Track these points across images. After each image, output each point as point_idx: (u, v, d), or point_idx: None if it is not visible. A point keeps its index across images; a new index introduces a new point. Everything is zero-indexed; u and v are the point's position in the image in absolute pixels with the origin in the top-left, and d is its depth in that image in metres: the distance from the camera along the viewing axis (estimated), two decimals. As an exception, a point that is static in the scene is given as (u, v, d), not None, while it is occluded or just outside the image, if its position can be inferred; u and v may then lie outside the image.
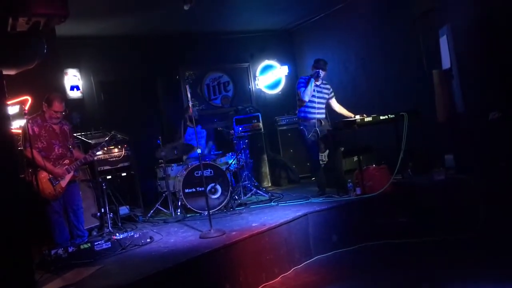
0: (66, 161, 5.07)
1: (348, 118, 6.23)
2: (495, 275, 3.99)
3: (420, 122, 6.18)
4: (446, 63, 5.74)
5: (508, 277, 3.88)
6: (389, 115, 6.14)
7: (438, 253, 4.86)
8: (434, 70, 5.98)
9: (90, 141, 6.18)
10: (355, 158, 6.26)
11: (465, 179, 5.47)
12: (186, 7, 6.59)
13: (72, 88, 7.47)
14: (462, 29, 5.53)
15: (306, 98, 6.26)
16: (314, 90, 6.26)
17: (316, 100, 6.30)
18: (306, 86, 6.22)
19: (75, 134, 6.13)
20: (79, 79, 7.57)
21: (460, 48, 5.51)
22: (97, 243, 4.59)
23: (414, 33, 6.56)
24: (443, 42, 5.68)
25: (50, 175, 4.89)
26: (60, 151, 5.04)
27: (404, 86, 6.84)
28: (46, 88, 5.63)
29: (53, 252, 4.37)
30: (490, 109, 5.31)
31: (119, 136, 6.45)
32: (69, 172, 5.04)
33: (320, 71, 6.22)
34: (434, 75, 5.96)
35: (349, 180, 6.03)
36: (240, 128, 8.01)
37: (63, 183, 4.99)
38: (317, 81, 6.31)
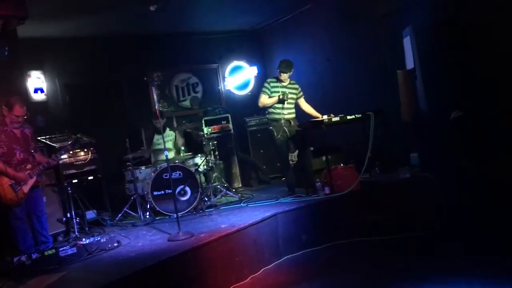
0: (28, 166, 4.92)
1: (316, 118, 6.29)
2: (461, 269, 4.10)
3: (386, 121, 6.30)
4: (409, 63, 5.86)
5: (471, 271, 4.00)
6: (356, 115, 6.22)
7: (405, 249, 4.95)
8: (398, 70, 6.09)
9: (55, 144, 6.05)
10: (324, 158, 6.32)
11: (428, 177, 5.60)
12: (152, 8, 6.55)
13: (36, 90, 7.30)
14: (424, 30, 5.66)
15: (260, 105, 6.41)
16: (279, 91, 6.30)
17: (284, 100, 6.33)
18: (267, 94, 6.30)
19: (39, 138, 6.01)
20: (43, 81, 7.40)
21: (423, 49, 5.63)
22: (62, 249, 4.49)
23: (378, 34, 6.69)
24: (407, 42, 5.79)
25: (12, 181, 4.76)
26: (21, 156, 4.90)
27: (370, 86, 6.96)
28: (8, 91, 5.46)
29: (15, 259, 4.26)
30: (452, 108, 5.45)
31: (85, 139, 6.35)
32: (31, 177, 4.90)
33: (282, 74, 6.30)
34: (398, 75, 6.07)
35: (318, 180, 6.09)
36: (210, 129, 7.99)
37: (26, 188, 4.84)
38: (284, 82, 6.36)
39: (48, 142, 6.11)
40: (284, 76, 6.32)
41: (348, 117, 6.20)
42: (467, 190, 5.13)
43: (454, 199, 5.17)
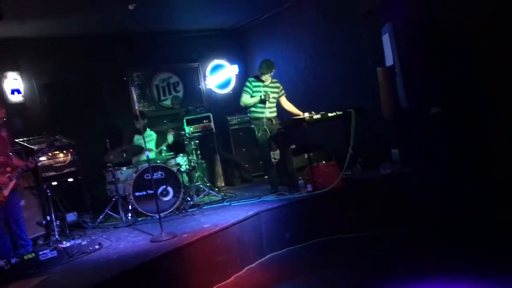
0: (8, 169, 4.86)
1: (297, 116, 6.30)
2: (443, 265, 4.13)
3: (367, 118, 6.34)
4: (389, 60, 5.89)
5: (453, 266, 4.03)
6: (337, 112, 6.26)
7: (388, 246, 4.98)
8: (378, 67, 6.13)
9: (33, 146, 5.95)
10: (306, 156, 6.33)
11: (409, 172, 5.66)
12: (131, 7, 6.48)
13: (12, 92, 7.16)
14: (403, 27, 5.69)
15: (242, 104, 6.37)
16: (261, 91, 6.29)
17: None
18: (249, 94, 6.28)
19: (16, 140, 5.91)
20: (20, 82, 7.25)
21: (402, 46, 5.67)
22: (42, 252, 4.43)
23: (359, 31, 6.73)
24: (386, 40, 5.82)
25: (-8, 185, 4.67)
26: (1, 160, 4.82)
27: (351, 84, 7.00)
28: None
29: (-6, 264, 4.18)
30: (431, 104, 5.51)
31: (64, 140, 6.27)
32: (11, 180, 4.84)
33: (261, 75, 6.30)
34: (378, 72, 6.10)
35: (300, 177, 6.11)
36: (191, 129, 7.95)
37: (6, 192, 4.78)
38: (265, 81, 6.35)
39: (26, 144, 6.00)
40: (265, 76, 6.32)
41: (329, 115, 6.23)
42: (449, 185, 5.20)
43: (436, 195, 5.22)
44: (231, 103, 8.66)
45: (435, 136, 5.50)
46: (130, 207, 6.27)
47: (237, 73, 9.22)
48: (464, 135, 5.39)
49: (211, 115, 8.18)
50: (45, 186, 5.67)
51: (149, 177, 5.99)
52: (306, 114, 6.18)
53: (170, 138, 7.05)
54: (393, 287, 3.84)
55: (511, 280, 3.55)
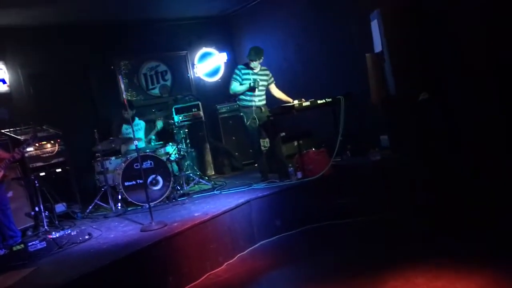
0: (-4, 160, 4.81)
1: (287, 103, 6.28)
2: (432, 250, 4.16)
3: (356, 104, 6.34)
4: (378, 46, 5.89)
5: (442, 252, 4.07)
6: (326, 99, 6.24)
7: (377, 231, 5.02)
8: (367, 53, 6.12)
9: (19, 137, 5.86)
10: (295, 143, 6.33)
11: (398, 158, 5.69)
12: (116, -6, 6.37)
13: (-3, 82, 7.05)
14: (391, 14, 5.69)
15: (231, 92, 6.34)
16: (250, 78, 6.25)
17: (254, 87, 6.29)
18: (238, 81, 6.24)
19: (3, 131, 5.83)
20: (5, 72, 7.12)
21: (391, 32, 5.67)
22: (31, 243, 4.39)
23: (347, 17, 6.70)
24: (374, 26, 5.82)
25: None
26: (-13, 152, 4.78)
27: (340, 70, 6.99)
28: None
29: (-18, 256, 4.14)
30: (419, 91, 5.53)
31: (51, 130, 6.20)
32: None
33: (250, 62, 6.24)
34: (367, 59, 6.11)
35: (290, 165, 6.11)
36: (180, 117, 7.90)
37: (-5, 183, 4.73)
38: (254, 69, 6.31)
39: (13, 135, 5.92)
40: (254, 63, 6.28)
41: (319, 102, 6.21)
42: (436, 170, 5.23)
43: (424, 180, 5.26)
44: (220, 91, 8.62)
45: (423, 122, 5.53)
46: (119, 197, 6.23)
47: (225, 61, 9.15)
48: (451, 120, 5.43)
49: (200, 104, 8.13)
50: (33, 177, 5.60)
51: (139, 167, 5.95)
52: (296, 101, 6.16)
53: (160, 124, 6.99)
54: (382, 272, 3.86)
55: (497, 265, 3.59)
